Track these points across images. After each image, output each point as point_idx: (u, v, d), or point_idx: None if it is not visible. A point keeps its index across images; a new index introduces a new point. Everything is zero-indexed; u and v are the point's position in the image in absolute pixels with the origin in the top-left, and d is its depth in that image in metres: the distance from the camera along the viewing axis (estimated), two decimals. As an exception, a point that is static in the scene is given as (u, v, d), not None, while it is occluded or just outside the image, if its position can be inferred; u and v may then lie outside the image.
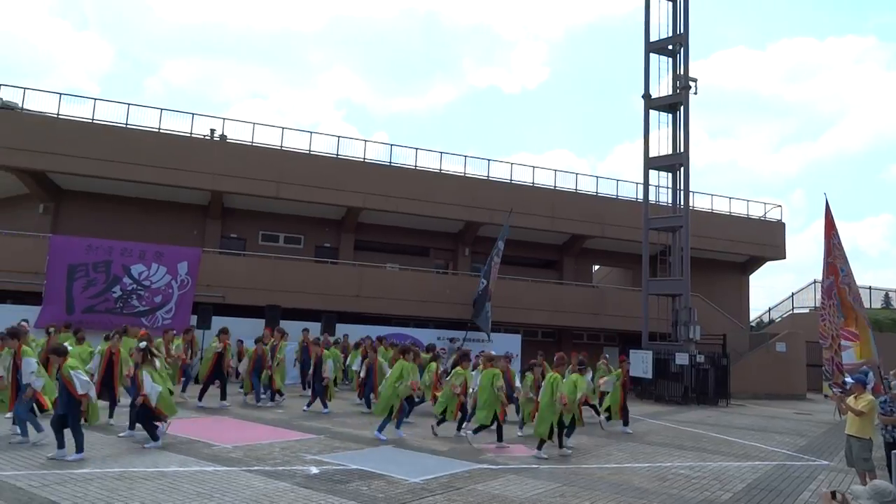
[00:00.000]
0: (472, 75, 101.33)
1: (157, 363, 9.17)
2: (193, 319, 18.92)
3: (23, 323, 12.93)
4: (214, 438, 9.64)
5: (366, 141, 25.61)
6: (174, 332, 16.02)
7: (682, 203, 22.49)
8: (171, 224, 23.33)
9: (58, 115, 21.48)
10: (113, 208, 22.90)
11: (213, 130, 23.76)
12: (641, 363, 20.62)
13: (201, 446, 9.09)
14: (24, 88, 21.59)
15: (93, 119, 21.81)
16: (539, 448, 9.75)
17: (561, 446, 10.12)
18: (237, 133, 23.86)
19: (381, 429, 10.54)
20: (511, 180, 27.01)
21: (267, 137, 23.87)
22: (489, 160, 26.98)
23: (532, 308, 25.06)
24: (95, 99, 22.38)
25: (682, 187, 22.58)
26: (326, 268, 23.68)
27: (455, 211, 25.41)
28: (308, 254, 24.86)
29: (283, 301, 20.55)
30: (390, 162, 25.49)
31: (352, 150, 25.14)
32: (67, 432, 7.87)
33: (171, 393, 9.51)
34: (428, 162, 26.03)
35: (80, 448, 7.80)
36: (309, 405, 13.51)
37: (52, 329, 13.38)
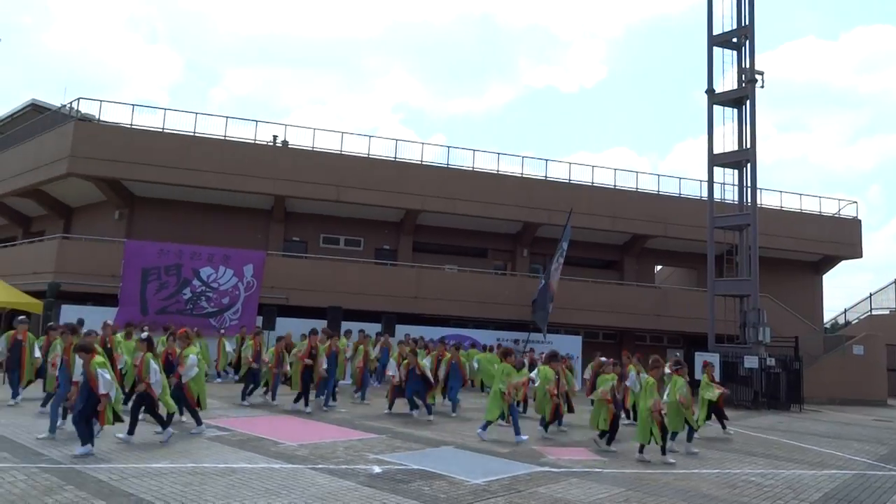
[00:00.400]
0: (528, 75, 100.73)
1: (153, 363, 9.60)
2: (259, 321, 19.48)
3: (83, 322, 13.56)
4: (280, 437, 9.90)
5: (423, 144, 25.89)
6: (246, 331, 16.57)
7: (749, 200, 21.70)
8: (237, 228, 24.11)
9: (131, 125, 22.54)
10: (183, 213, 23.84)
11: (275, 137, 24.46)
12: (707, 366, 19.95)
13: (268, 444, 9.34)
14: (101, 101, 22.76)
15: (163, 128, 22.77)
16: (640, 452, 9.79)
17: (664, 452, 9.84)
18: (298, 139, 24.54)
19: (484, 427, 10.79)
20: (570, 180, 26.72)
21: (327, 142, 24.42)
22: (547, 160, 26.81)
23: (592, 309, 24.71)
24: (165, 109, 23.40)
25: (748, 184, 21.79)
26: (385, 269, 23.99)
27: (513, 212, 25.31)
28: (368, 256, 25.25)
29: (344, 302, 20.93)
30: (448, 164, 25.61)
31: (410, 153, 25.43)
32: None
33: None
34: (485, 163, 26.05)
35: (84, 441, 7.95)
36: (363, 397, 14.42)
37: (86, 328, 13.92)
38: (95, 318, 18.74)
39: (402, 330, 20.45)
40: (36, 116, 25.93)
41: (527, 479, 8.02)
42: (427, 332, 20.05)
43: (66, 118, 22.77)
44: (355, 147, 24.87)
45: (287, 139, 24.47)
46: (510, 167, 26.46)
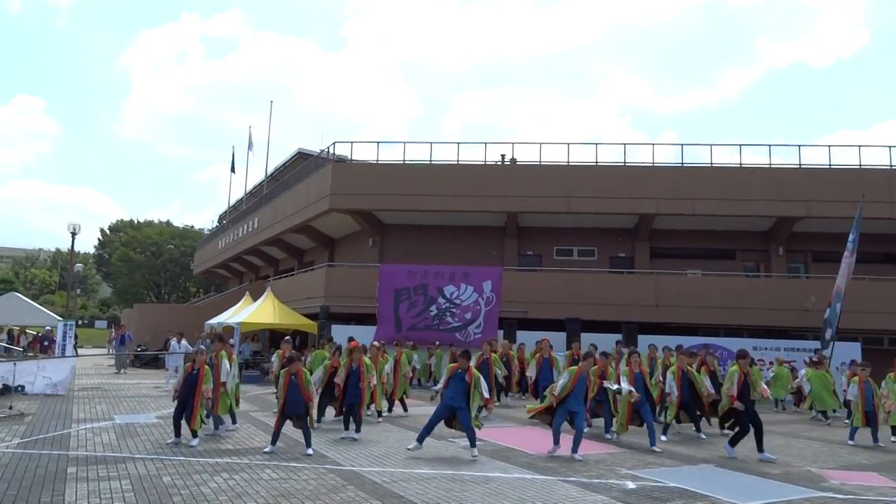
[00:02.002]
0: (768, 55, 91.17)
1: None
2: (500, 334, 20.16)
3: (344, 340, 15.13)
4: (528, 447, 10.07)
5: (653, 144, 24.76)
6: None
7: None
8: (474, 246, 25.30)
9: (377, 161, 25.00)
10: (426, 236, 25.72)
11: (503, 156, 25.28)
12: None
13: (519, 454, 9.56)
14: (352, 142, 25.70)
15: (404, 160, 24.86)
16: None
17: None
18: (525, 155, 25.09)
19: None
20: (830, 165, 23.47)
21: (553, 155, 24.56)
22: (799, 146, 23.83)
23: (873, 311, 21.25)
24: (405, 142, 25.65)
25: None
26: (622, 278, 23.28)
27: (762, 207, 22.93)
28: (603, 265, 24.75)
29: (581, 313, 20.74)
30: (682, 163, 24.13)
31: (639, 156, 24.53)
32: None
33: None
34: (725, 157, 24.20)
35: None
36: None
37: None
38: (360, 335, 21.01)
39: (644, 340, 19.62)
40: (302, 163, 30.07)
41: (806, 505, 7.12)
42: (672, 341, 18.95)
43: (326, 161, 26.00)
44: (582, 156, 24.60)
45: (515, 157, 25.15)
46: (755, 158, 24.20)
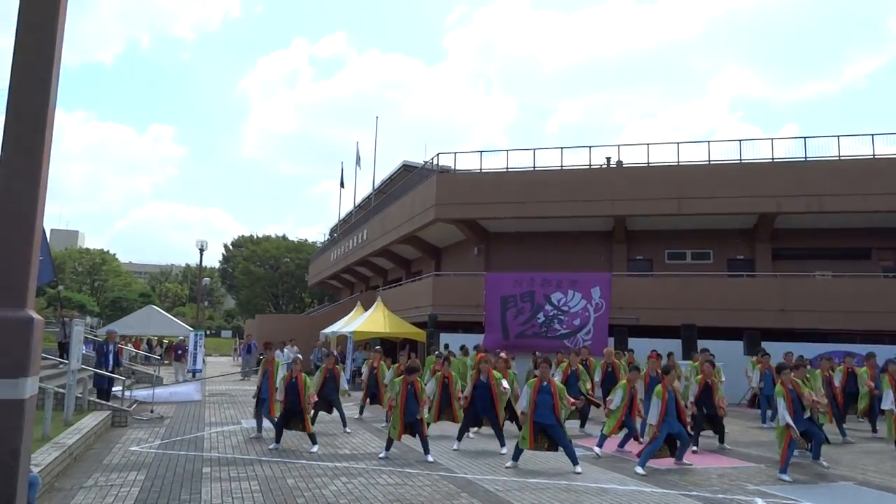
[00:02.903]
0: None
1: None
2: (610, 342, 19.59)
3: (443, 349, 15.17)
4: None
5: (771, 139, 23.28)
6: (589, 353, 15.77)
7: None
8: (580, 252, 24.83)
9: (480, 170, 25.15)
10: (531, 244, 25.54)
11: (608, 158, 24.69)
12: None
13: (634, 465, 9.23)
14: (455, 153, 26.03)
15: (507, 168, 24.85)
16: None
17: None
18: (632, 156, 24.34)
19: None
20: (982, 151, 21.07)
21: (662, 155, 23.85)
22: (944, 131, 21.57)
23: None
24: (507, 150, 25.55)
25: None
26: (742, 282, 22.01)
27: (898, 201, 20.93)
28: (719, 268, 23.53)
29: (697, 319, 19.78)
30: (805, 157, 22.50)
31: (756, 152, 23.13)
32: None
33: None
34: (854, 148, 22.18)
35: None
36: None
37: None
38: (468, 343, 21.14)
39: (769, 347, 18.41)
40: (407, 175, 30.80)
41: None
42: (800, 349, 17.65)
43: (430, 172, 26.48)
44: (693, 156, 23.62)
45: (621, 159, 24.49)
46: (888, 149, 22.05)
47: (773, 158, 22.67)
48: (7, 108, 4.65)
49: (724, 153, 23.37)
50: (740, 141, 23.19)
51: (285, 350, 21.37)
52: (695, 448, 10.32)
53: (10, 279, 4.47)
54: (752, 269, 23.18)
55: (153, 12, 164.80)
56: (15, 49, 4.67)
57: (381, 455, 9.47)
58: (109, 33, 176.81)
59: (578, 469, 8.63)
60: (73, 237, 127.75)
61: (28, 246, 4.53)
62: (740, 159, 22.87)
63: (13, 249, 4.50)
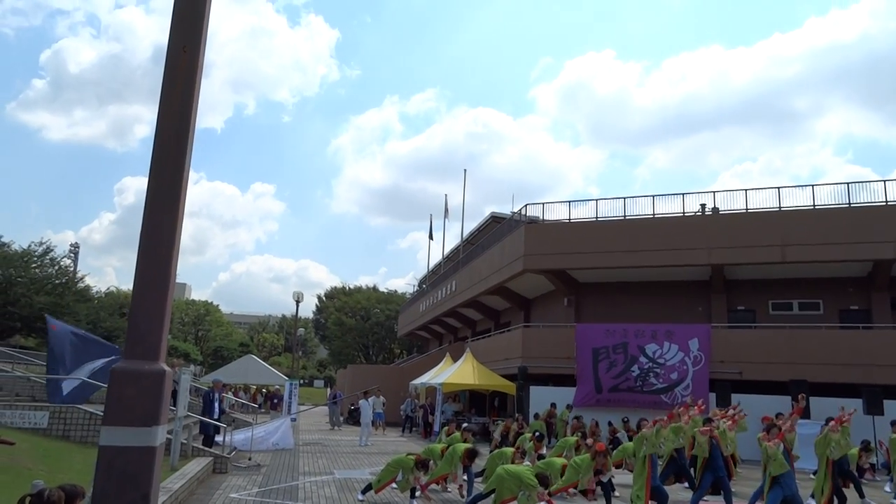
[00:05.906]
0: None
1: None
2: (711, 397, 18.56)
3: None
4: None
5: (885, 181, 21.65)
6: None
7: None
8: (675, 303, 23.88)
9: (569, 219, 24.92)
10: (623, 294, 24.84)
11: (703, 205, 23.85)
12: None
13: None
14: (543, 203, 25.88)
15: (596, 217, 24.49)
16: None
17: None
18: (729, 202, 23.39)
19: None
20: None
21: (762, 201, 22.65)
22: None
23: None
24: (597, 199, 25.29)
25: None
26: (857, 334, 20.38)
27: None
28: (830, 319, 21.93)
29: (807, 374, 18.44)
30: (926, 198, 20.88)
31: (868, 195, 21.62)
32: None
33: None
34: None
35: None
36: None
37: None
38: (558, 397, 20.65)
39: (890, 408, 16.84)
40: (496, 226, 30.96)
41: None
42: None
43: (518, 223, 26.49)
44: (796, 200, 22.33)
45: (717, 205, 23.60)
46: None
47: (886, 201, 21.18)
48: (150, 177, 5.14)
49: (829, 197, 22.03)
50: (848, 184, 21.87)
51: (370, 399, 21.56)
52: None
53: (150, 336, 4.85)
54: (868, 319, 21.46)
55: (259, 80, 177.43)
56: (158, 120, 5.21)
57: None
58: (221, 100, 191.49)
59: None
60: (181, 289, 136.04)
61: (163, 304, 4.95)
62: (849, 203, 21.50)
63: (151, 310, 4.91)
